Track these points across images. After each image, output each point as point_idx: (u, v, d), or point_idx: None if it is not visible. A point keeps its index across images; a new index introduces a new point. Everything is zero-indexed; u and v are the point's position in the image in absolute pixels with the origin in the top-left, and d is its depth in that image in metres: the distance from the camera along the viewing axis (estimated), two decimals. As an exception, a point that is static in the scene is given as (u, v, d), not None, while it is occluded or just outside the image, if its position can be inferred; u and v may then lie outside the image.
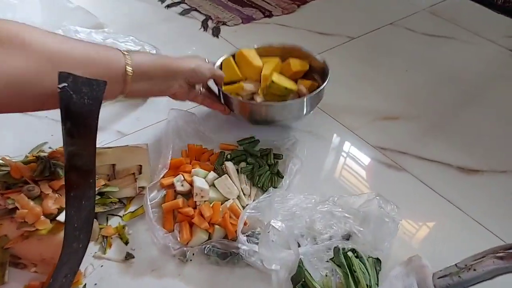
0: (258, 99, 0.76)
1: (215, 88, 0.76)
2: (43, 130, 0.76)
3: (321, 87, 0.75)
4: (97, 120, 0.47)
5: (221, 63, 0.80)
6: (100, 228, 0.60)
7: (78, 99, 0.43)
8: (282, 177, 0.70)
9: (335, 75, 0.96)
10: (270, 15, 1.23)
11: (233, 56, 0.81)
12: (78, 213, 0.48)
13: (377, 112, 0.91)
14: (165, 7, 1.21)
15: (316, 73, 0.85)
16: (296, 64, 0.82)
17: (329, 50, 1.10)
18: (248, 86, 0.77)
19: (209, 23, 1.16)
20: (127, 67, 0.52)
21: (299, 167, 0.73)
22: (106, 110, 0.82)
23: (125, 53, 0.53)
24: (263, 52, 0.82)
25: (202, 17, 1.18)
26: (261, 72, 0.78)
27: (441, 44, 1.20)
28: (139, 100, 0.85)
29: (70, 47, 0.46)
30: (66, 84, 0.41)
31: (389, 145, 0.83)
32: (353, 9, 1.33)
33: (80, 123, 0.45)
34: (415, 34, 1.23)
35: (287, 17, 1.23)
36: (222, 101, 0.76)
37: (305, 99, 0.74)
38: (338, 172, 0.77)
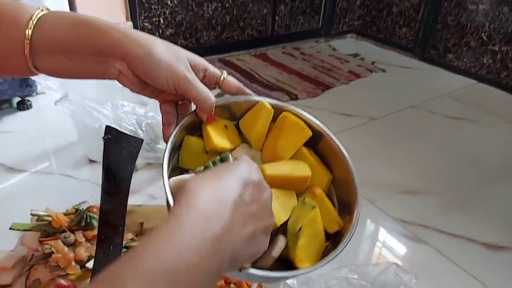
0: None
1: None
2: (84, 191, 0.84)
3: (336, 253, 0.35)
4: (131, 173, 0.54)
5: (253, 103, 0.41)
6: (123, 281, 0.63)
7: (118, 151, 0.50)
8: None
9: (356, 151, 1.00)
10: (296, 98, 1.34)
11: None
12: (105, 257, 0.52)
13: (397, 187, 0.93)
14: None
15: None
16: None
17: (351, 129, 1.17)
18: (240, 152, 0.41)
19: (240, 104, 1.27)
20: (27, 30, 0.36)
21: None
22: (140, 176, 0.90)
23: (41, 10, 0.36)
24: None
25: (234, 99, 1.30)
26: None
27: (462, 126, 1.24)
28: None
29: None
30: (109, 136, 0.49)
31: (409, 218, 0.83)
32: (375, 94, 1.42)
33: (116, 173, 0.52)
34: (436, 116, 1.29)
35: (312, 100, 1.33)
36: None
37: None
38: (357, 241, 0.78)
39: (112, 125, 0.56)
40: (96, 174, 0.89)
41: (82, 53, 0.38)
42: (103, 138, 0.50)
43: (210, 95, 0.38)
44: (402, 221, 0.82)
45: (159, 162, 0.92)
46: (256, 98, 0.41)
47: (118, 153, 0.51)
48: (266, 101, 0.40)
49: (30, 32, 0.36)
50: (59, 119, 0.98)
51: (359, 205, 0.38)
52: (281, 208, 0.37)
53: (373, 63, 1.69)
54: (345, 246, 0.35)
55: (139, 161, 0.90)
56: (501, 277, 0.70)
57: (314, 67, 1.61)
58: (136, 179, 0.88)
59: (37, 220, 0.65)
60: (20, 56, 0.36)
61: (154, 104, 1.06)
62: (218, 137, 0.39)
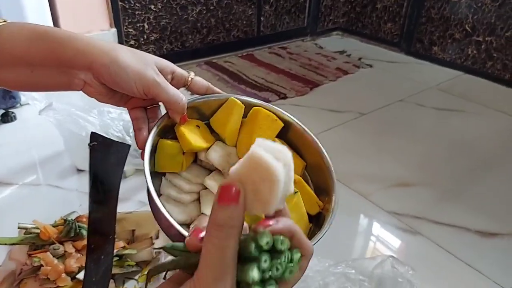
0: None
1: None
2: (72, 201, 0.83)
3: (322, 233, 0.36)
4: (120, 180, 0.53)
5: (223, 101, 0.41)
6: (117, 290, 0.62)
7: (105, 157, 0.49)
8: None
9: (347, 147, 1.01)
10: (285, 97, 1.33)
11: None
12: (96, 266, 0.51)
13: (390, 179, 0.93)
14: (190, 94, 1.34)
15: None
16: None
17: (341, 125, 1.17)
18: (213, 155, 0.40)
19: (229, 105, 1.27)
20: None
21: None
22: (131, 182, 0.89)
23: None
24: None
25: (223, 101, 1.29)
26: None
27: (451, 117, 1.25)
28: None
29: None
30: (96, 143, 0.48)
31: (403, 211, 0.83)
32: (363, 89, 1.43)
33: (104, 181, 0.51)
34: (424, 108, 1.30)
35: (301, 98, 1.33)
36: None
37: None
38: (352, 236, 0.77)
39: (98, 132, 0.55)
40: (84, 183, 0.87)
41: (44, 65, 0.36)
42: (88, 145, 0.49)
43: (181, 97, 0.38)
44: (396, 213, 0.82)
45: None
46: (225, 95, 0.41)
47: (105, 160, 0.50)
48: (236, 98, 0.40)
49: None
50: (45, 130, 0.97)
51: (335, 186, 0.40)
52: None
53: (359, 59, 1.70)
54: (330, 225, 0.36)
55: (128, 168, 0.89)
56: (495, 263, 0.70)
57: (302, 65, 1.61)
58: (126, 186, 0.87)
59: (25, 233, 0.64)
60: None
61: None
62: (194, 137, 0.39)
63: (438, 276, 0.69)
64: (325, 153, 0.41)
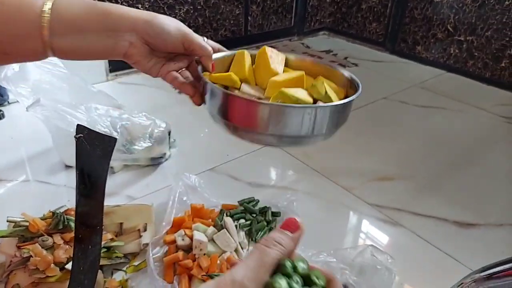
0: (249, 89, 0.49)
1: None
2: (61, 197, 0.84)
3: (355, 96, 0.47)
4: (107, 171, 0.54)
5: (234, 54, 0.52)
6: (105, 281, 0.63)
7: (91, 149, 0.51)
8: (280, 233, 0.73)
9: (332, 143, 1.02)
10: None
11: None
12: (84, 256, 0.52)
13: (373, 174, 0.96)
14: (178, 92, 1.36)
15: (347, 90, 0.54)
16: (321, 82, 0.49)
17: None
18: (246, 88, 0.49)
19: (217, 103, 1.28)
20: (43, 11, 0.38)
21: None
22: (118, 178, 0.90)
23: None
24: (295, 65, 0.54)
25: (211, 99, 1.31)
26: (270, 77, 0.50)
27: (432, 114, 1.28)
28: (146, 164, 0.93)
29: None
30: (82, 135, 0.50)
31: (385, 203, 0.86)
32: (349, 87, 1.46)
33: (91, 172, 0.52)
34: (407, 105, 1.33)
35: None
36: (201, 89, 0.48)
37: (326, 108, 0.45)
38: (335, 228, 0.80)
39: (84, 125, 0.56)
40: (72, 179, 0.87)
41: (94, 31, 0.41)
42: (75, 137, 0.51)
43: (208, 46, 0.47)
44: (378, 206, 0.85)
45: (136, 163, 0.93)
46: (234, 52, 0.51)
47: (92, 152, 0.52)
48: (243, 50, 0.51)
49: (48, 15, 0.38)
50: (33, 127, 0.97)
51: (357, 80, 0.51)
52: (304, 96, 0.46)
53: (345, 58, 1.73)
54: (359, 93, 0.47)
55: (116, 164, 0.90)
56: (471, 252, 0.74)
57: (289, 64, 1.63)
58: (114, 181, 0.88)
59: (14, 227, 0.65)
60: (35, 39, 0.38)
61: (128, 106, 1.06)
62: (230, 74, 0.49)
63: (416, 264, 0.72)
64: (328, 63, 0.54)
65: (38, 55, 0.40)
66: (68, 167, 0.92)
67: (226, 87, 0.48)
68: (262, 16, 1.77)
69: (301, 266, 0.28)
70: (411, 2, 1.68)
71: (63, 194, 0.84)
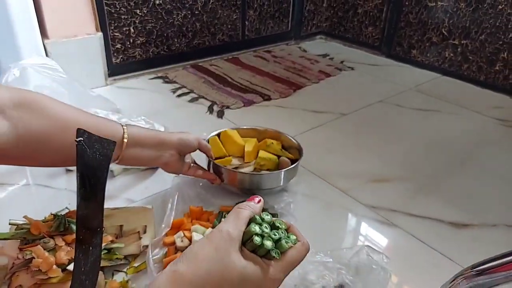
0: (246, 169, 0.88)
1: (203, 163, 0.86)
2: (62, 200, 0.84)
3: (296, 163, 0.85)
4: (106, 174, 0.56)
5: (208, 140, 0.91)
6: (106, 282, 0.64)
7: (91, 153, 0.52)
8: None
9: (328, 145, 1.05)
10: (269, 98, 1.37)
11: (218, 135, 0.93)
12: (85, 257, 0.53)
13: (369, 175, 0.97)
14: (176, 96, 1.37)
15: (294, 150, 0.92)
16: (272, 143, 0.92)
17: (322, 125, 1.21)
18: (235, 160, 0.91)
19: (214, 107, 1.30)
20: (124, 135, 0.63)
21: (293, 224, 0.77)
22: (118, 181, 0.91)
23: (124, 125, 0.64)
24: (243, 133, 0.95)
25: (209, 103, 1.33)
26: (244, 148, 0.92)
27: (428, 117, 1.30)
28: (142, 170, 0.94)
29: (79, 115, 0.59)
30: (82, 139, 0.51)
31: (380, 204, 0.87)
32: (344, 91, 1.48)
33: (91, 175, 0.53)
34: (403, 109, 1.35)
35: (284, 100, 1.37)
36: (212, 171, 0.86)
37: (282, 172, 0.83)
38: (331, 229, 0.81)
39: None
40: (72, 182, 0.88)
41: (150, 147, 0.69)
42: (75, 140, 0.52)
43: (208, 145, 0.82)
44: (374, 207, 0.86)
45: (136, 167, 0.94)
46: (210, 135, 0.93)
47: (92, 156, 0.53)
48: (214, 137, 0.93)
49: (127, 136, 0.64)
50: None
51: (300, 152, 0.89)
52: (269, 155, 0.91)
53: (342, 62, 1.75)
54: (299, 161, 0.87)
55: (116, 167, 0.91)
56: (467, 252, 0.75)
57: (286, 68, 1.65)
58: (113, 184, 0.89)
59: (16, 229, 0.66)
60: (116, 151, 0.63)
61: (127, 110, 1.07)
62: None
63: (412, 264, 0.73)
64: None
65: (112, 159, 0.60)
66: (68, 171, 0.93)
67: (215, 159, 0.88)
68: (259, 21, 1.79)
69: (266, 217, 0.43)
70: (406, 6, 1.71)
71: (63, 197, 0.85)
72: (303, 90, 1.46)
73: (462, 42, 1.58)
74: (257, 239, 0.39)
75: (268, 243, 0.40)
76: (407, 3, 1.70)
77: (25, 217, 0.65)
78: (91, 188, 0.54)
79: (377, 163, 1.03)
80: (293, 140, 0.93)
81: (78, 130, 0.50)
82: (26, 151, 0.54)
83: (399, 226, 0.82)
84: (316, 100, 1.38)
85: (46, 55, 1.18)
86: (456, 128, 1.23)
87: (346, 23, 1.97)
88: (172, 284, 0.37)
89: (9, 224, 0.67)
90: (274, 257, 0.40)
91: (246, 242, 0.40)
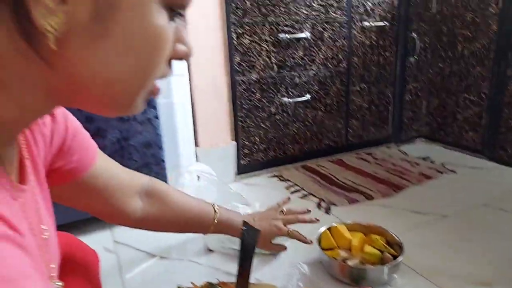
0: (352, 262, 1.03)
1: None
2: (208, 274, 1.10)
3: (399, 259, 1.01)
4: (253, 257, 0.79)
5: (320, 233, 1.12)
6: None
7: (249, 238, 0.77)
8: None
9: (429, 246, 1.16)
10: (371, 198, 1.54)
11: (329, 229, 1.14)
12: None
13: (471, 278, 1.04)
14: (290, 193, 1.63)
15: (396, 247, 1.08)
16: (376, 239, 1.10)
17: (424, 226, 1.32)
18: (342, 253, 1.08)
19: (322, 204, 1.51)
20: (215, 216, 0.90)
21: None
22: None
23: (216, 208, 0.91)
24: (351, 227, 1.15)
25: (317, 200, 1.54)
26: (351, 242, 1.10)
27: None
28: (272, 255, 1.16)
29: (191, 202, 0.87)
30: (245, 228, 0.76)
31: (483, 305, 0.93)
32: (446, 193, 1.56)
33: (246, 254, 0.77)
34: (508, 213, 1.38)
35: (386, 200, 1.52)
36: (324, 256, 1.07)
37: (386, 267, 0.99)
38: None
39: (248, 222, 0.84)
40: (213, 260, 1.15)
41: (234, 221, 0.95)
42: (241, 229, 0.77)
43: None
44: (475, 307, 0.93)
45: (261, 252, 1.16)
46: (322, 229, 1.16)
47: (250, 241, 0.78)
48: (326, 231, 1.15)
49: (216, 220, 0.91)
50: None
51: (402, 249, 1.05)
52: (374, 251, 1.08)
53: (443, 165, 1.85)
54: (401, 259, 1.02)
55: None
56: None
57: (387, 170, 1.82)
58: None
59: (183, 291, 0.92)
60: (208, 226, 0.92)
61: (256, 205, 1.34)
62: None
63: None
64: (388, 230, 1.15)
65: (204, 231, 0.94)
66: (210, 250, 1.19)
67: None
68: (361, 128, 2.04)
69: None
70: (505, 113, 1.79)
71: (208, 273, 1.10)
72: (405, 191, 1.59)
73: None
74: None
75: None
76: (506, 111, 1.79)
77: (192, 282, 0.90)
78: (243, 267, 0.78)
79: (479, 266, 1.09)
80: (396, 237, 1.07)
81: (244, 222, 0.76)
82: (147, 225, 0.81)
83: (502, 327, 0.87)
84: (417, 201, 1.50)
85: (196, 160, 1.57)
86: None
87: (446, 128, 2.10)
88: None
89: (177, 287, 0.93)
90: None
91: None
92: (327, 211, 1.46)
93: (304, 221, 1.06)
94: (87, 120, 1.10)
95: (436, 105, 2.13)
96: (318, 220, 1.08)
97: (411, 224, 1.33)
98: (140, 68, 0.33)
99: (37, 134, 0.46)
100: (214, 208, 0.91)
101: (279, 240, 1.09)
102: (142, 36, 0.31)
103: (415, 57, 2.08)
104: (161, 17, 0.32)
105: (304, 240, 1.05)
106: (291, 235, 1.04)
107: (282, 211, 1.08)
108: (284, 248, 1.08)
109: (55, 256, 0.46)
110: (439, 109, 2.13)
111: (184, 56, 0.38)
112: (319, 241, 1.09)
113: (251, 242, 0.80)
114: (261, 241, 0.96)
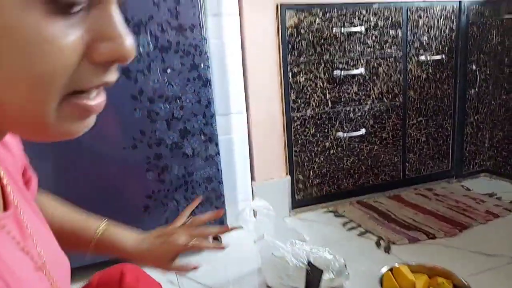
0: None
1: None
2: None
3: None
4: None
5: (382, 275, 1.06)
6: None
7: (313, 276, 0.78)
8: None
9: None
10: (433, 237, 1.47)
11: (391, 270, 1.08)
12: None
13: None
14: (347, 230, 1.61)
15: None
16: (443, 282, 1.05)
17: (494, 269, 1.24)
18: None
19: (381, 242, 1.47)
20: (97, 232, 0.69)
21: None
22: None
23: (103, 226, 0.70)
24: (414, 269, 1.09)
25: (375, 238, 1.50)
26: (414, 285, 1.03)
27: None
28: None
29: (70, 214, 0.70)
30: (309, 267, 0.78)
31: None
32: (517, 234, 1.46)
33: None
34: None
35: (450, 240, 1.45)
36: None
37: None
38: None
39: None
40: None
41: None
42: (306, 269, 0.79)
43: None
44: None
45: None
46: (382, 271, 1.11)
47: (314, 280, 0.79)
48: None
49: (97, 236, 0.69)
50: (244, 250, 1.33)
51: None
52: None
53: (511, 202, 1.73)
54: None
55: None
56: None
57: (449, 207, 1.74)
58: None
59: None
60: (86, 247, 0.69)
61: (311, 240, 1.34)
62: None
63: None
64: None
65: (83, 251, 0.69)
66: (268, 287, 1.20)
67: None
68: (419, 162, 1.98)
69: None
70: None
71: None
72: (470, 230, 1.51)
73: None
74: None
75: None
76: None
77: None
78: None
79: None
80: (464, 281, 1.02)
81: (309, 262, 0.78)
82: None
83: None
84: (485, 241, 1.42)
85: (252, 194, 1.61)
86: None
87: (512, 162, 1.98)
88: None
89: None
90: None
91: None
92: (387, 250, 1.42)
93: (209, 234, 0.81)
94: (156, 157, 1.18)
95: (501, 137, 2.03)
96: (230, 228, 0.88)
97: (479, 266, 1.25)
98: (19, 80, 0.26)
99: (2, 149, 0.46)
100: (100, 225, 0.73)
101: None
102: (5, 41, 0.24)
103: (476, 89, 2.01)
104: (29, 13, 0.24)
105: (213, 247, 0.81)
106: (195, 247, 0.77)
107: (184, 223, 0.82)
108: (193, 268, 0.79)
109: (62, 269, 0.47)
110: (504, 142, 2.02)
111: (115, 56, 0.29)
112: (381, 282, 1.06)
113: (315, 281, 0.81)
114: (156, 262, 0.74)
